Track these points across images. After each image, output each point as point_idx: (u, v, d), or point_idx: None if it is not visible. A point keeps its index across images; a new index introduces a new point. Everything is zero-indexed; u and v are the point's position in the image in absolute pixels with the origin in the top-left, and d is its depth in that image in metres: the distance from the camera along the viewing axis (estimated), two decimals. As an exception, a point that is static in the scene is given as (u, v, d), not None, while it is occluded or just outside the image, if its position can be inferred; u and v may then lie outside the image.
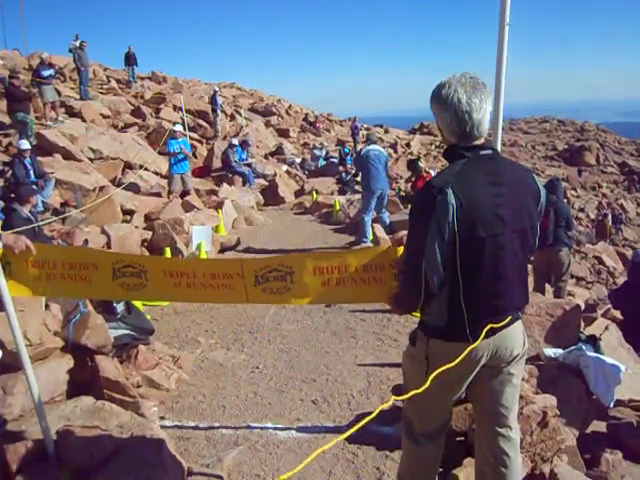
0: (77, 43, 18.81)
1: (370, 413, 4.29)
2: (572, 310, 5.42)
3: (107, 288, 3.21)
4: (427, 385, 2.14)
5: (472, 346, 2.33)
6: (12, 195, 8.50)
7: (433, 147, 36.73)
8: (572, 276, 13.16)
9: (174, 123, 16.49)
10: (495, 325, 2.39)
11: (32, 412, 3.75)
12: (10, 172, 10.55)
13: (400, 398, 2.13)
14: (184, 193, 13.30)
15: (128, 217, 11.08)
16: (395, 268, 2.86)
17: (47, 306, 4.79)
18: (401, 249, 2.82)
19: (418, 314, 2.59)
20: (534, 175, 2.55)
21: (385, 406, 1.91)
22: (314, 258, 3.03)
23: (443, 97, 2.30)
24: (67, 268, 3.18)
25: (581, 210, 27.47)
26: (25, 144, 10.77)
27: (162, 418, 4.43)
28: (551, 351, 5.07)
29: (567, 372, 4.77)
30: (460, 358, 2.28)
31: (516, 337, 2.55)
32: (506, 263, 2.36)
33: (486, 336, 2.37)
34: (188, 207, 11.97)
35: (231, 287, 3.08)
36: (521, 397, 3.52)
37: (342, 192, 17.48)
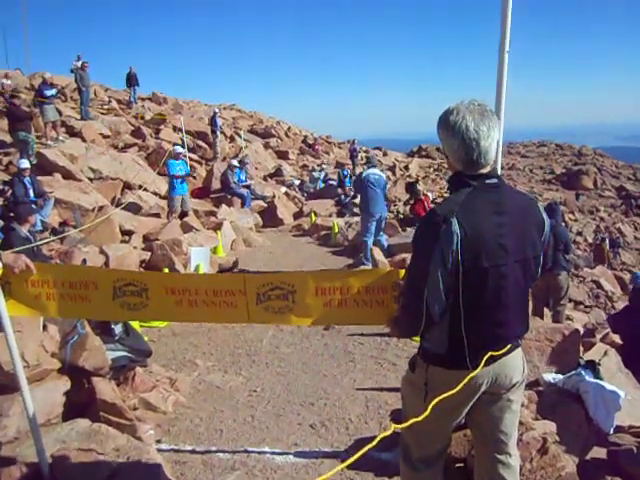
0: (79, 63, 18.94)
1: (369, 438, 4.25)
2: (571, 335, 5.40)
3: (107, 308, 3.19)
4: (427, 413, 2.12)
5: (472, 374, 2.32)
6: (11, 214, 8.49)
7: (431, 170, 36.89)
8: (570, 300, 13.14)
9: (174, 144, 16.58)
10: (495, 353, 2.38)
11: (27, 434, 3.72)
12: (10, 191, 10.57)
13: (401, 427, 2.11)
14: (183, 214, 13.30)
15: (127, 237, 11.08)
16: (396, 290, 2.86)
17: (45, 327, 4.77)
18: (403, 271, 2.82)
19: (417, 338, 2.58)
20: (539, 204, 2.54)
21: (386, 434, 1.89)
22: (316, 277, 3.02)
23: (451, 123, 2.29)
24: (67, 287, 3.17)
25: (579, 234, 27.50)
26: (25, 163, 10.80)
27: (158, 441, 4.39)
28: (550, 376, 5.05)
29: (567, 398, 4.73)
30: (460, 386, 2.26)
31: (516, 364, 2.54)
32: (508, 293, 2.36)
33: (486, 364, 2.35)
34: (187, 228, 11.97)
35: (233, 305, 3.06)
36: (521, 423, 3.50)
37: (341, 214, 17.53)
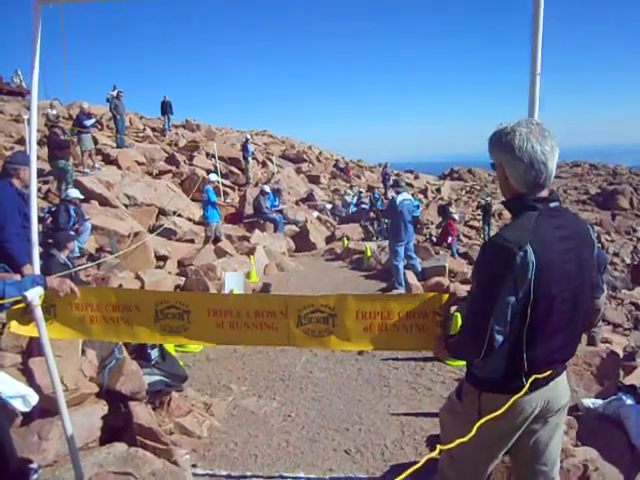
0: (114, 93, 19.41)
1: (405, 464, 4.19)
2: (610, 358, 5.29)
3: (149, 331, 3.23)
4: (472, 434, 2.05)
5: (528, 397, 2.30)
6: (49, 241, 8.67)
7: (463, 192, 36.72)
8: (609, 322, 12.88)
9: (208, 172, 16.84)
10: (541, 375, 2.32)
11: (66, 458, 3.77)
12: (50, 219, 10.77)
13: (446, 448, 2.04)
14: (216, 239, 13.45)
15: (162, 263, 11.22)
16: (442, 315, 2.85)
17: (83, 351, 4.85)
18: (446, 296, 2.80)
19: (453, 363, 2.55)
20: (589, 227, 2.49)
21: (432, 455, 1.86)
22: (357, 300, 3.02)
23: (516, 146, 2.22)
24: (110, 310, 3.22)
25: (616, 255, 26.95)
26: (76, 192, 10.88)
27: (194, 466, 4.39)
28: (590, 401, 4.93)
29: (607, 423, 4.62)
30: (521, 410, 2.22)
31: (565, 387, 2.50)
32: (567, 317, 2.32)
33: (540, 386, 2.32)
34: (220, 253, 12.09)
35: (274, 327, 3.08)
36: (561, 450, 3.43)
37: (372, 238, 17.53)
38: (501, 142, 2.28)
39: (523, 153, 2.20)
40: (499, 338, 2.21)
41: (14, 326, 3.19)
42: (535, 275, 2.14)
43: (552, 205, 2.29)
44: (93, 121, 16.02)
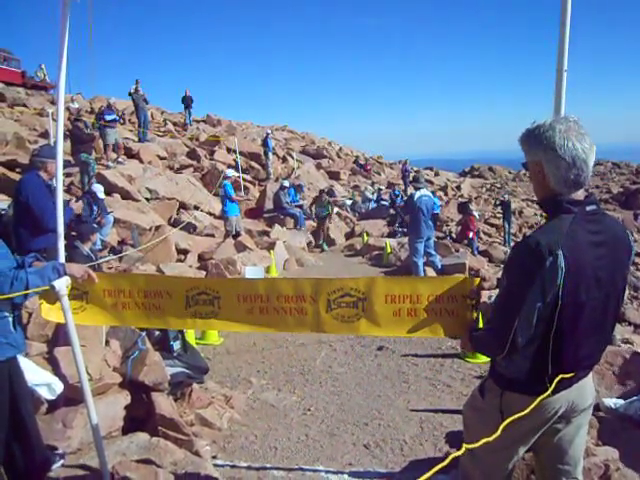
0: (137, 87, 19.53)
1: (423, 460, 4.19)
2: (633, 359, 5.24)
3: (179, 317, 3.28)
4: (498, 433, 2.04)
5: (552, 399, 2.27)
6: (73, 233, 8.76)
7: (484, 190, 36.48)
8: (630, 323, 12.74)
9: (229, 167, 16.89)
10: (573, 377, 2.32)
11: (90, 446, 3.84)
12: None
13: (471, 446, 2.03)
14: (235, 234, 13.50)
15: (182, 256, 11.30)
16: (473, 299, 2.82)
17: (107, 342, 4.92)
18: (478, 280, 2.77)
19: (473, 360, 2.54)
20: (627, 230, 2.43)
21: (457, 454, 1.84)
22: (386, 283, 3.01)
23: (558, 144, 2.14)
24: (142, 296, 3.29)
25: (638, 255, 26.66)
26: (100, 191, 10.90)
27: (214, 457, 4.44)
28: (611, 401, 4.89)
29: (629, 424, 4.59)
30: (544, 411, 2.22)
31: (590, 388, 2.49)
32: (596, 324, 2.29)
33: (564, 388, 2.30)
34: (240, 247, 12.14)
35: (304, 312, 3.09)
36: (582, 449, 3.41)
37: (392, 234, 17.49)
38: (541, 140, 2.20)
39: (565, 151, 2.14)
40: (521, 340, 2.19)
41: (45, 312, 3.26)
42: (564, 281, 2.10)
43: (589, 209, 2.23)
44: (113, 116, 16.12)
